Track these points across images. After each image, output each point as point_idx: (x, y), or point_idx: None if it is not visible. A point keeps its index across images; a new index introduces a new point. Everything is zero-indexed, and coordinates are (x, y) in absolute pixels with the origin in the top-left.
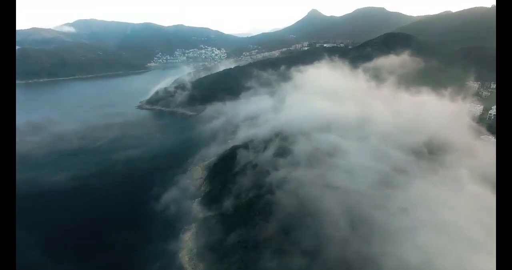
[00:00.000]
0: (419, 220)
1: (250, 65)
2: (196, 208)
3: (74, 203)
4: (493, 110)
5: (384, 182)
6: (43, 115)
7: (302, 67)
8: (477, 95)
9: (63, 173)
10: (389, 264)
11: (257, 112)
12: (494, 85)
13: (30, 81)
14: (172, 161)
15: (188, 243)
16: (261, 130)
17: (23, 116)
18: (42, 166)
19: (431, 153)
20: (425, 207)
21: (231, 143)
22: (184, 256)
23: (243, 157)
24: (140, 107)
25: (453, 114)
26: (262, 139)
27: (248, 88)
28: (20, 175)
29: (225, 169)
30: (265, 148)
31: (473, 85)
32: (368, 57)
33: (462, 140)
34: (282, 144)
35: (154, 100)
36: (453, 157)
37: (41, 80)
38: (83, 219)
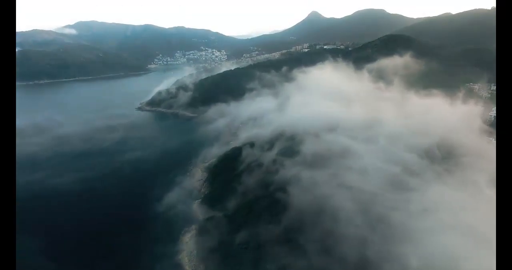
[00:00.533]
0: (441, 222)
1: (252, 66)
2: (196, 210)
3: (76, 205)
4: (492, 112)
5: (398, 183)
6: (45, 117)
7: (305, 69)
8: (477, 97)
9: (68, 175)
10: (413, 264)
11: (260, 113)
12: (494, 87)
13: (30, 82)
14: (174, 163)
15: (188, 244)
16: (265, 131)
17: (25, 118)
18: (47, 168)
19: (442, 154)
20: (445, 209)
21: (233, 144)
22: (184, 258)
23: (245, 157)
24: (140, 109)
25: (456, 116)
26: (266, 139)
27: (250, 89)
28: (25, 177)
29: (225, 170)
30: (269, 147)
31: (473, 87)
32: (368, 59)
33: (470, 142)
34: (287, 144)
35: (155, 102)
36: (465, 159)
37: (42, 81)
38: (84, 220)
